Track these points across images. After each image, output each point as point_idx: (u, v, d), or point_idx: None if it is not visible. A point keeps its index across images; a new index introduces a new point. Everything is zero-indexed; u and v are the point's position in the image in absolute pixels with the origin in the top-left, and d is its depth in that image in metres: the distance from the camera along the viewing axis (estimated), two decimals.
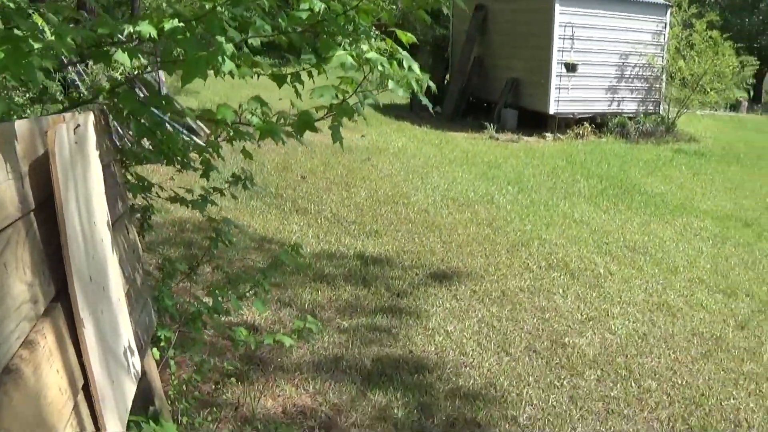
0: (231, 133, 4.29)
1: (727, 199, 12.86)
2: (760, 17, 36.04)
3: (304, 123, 4.06)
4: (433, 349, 6.20)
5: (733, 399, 5.75)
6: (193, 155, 4.85)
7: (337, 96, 3.94)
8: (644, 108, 19.98)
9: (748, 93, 36.38)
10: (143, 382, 3.60)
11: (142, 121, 4.05)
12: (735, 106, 28.38)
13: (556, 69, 18.33)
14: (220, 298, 4.79)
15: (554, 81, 18.33)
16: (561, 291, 7.69)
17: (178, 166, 4.71)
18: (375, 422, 5.06)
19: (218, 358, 5.71)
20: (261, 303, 4.96)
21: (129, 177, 4.82)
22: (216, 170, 4.81)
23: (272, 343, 4.57)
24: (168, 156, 4.50)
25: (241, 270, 7.56)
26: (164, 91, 14.01)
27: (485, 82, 21.10)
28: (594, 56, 18.70)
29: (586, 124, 18.64)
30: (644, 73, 19.80)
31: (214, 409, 4.96)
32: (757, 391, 5.89)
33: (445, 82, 22.26)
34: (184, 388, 4.75)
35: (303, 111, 4.03)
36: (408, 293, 7.37)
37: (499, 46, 20.94)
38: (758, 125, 24.97)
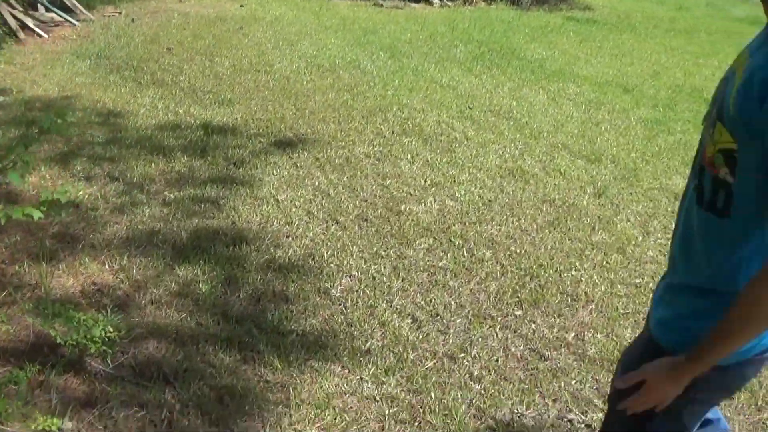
0: None
1: (611, 65, 12.52)
2: None
3: None
4: (258, 219, 5.86)
5: (575, 270, 5.49)
6: None
7: None
8: None
9: None
10: None
11: None
12: None
13: None
14: None
15: None
16: (409, 157, 7.35)
17: None
18: (175, 298, 4.73)
19: (31, 237, 5.36)
20: (17, 176, 4.52)
21: None
22: None
23: (21, 216, 4.15)
24: None
25: (77, 145, 7.23)
26: None
27: None
28: None
29: None
30: None
31: (12, 291, 4.61)
32: (604, 263, 5.64)
33: None
34: None
35: None
36: (246, 162, 6.99)
37: None
38: None
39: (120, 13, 14.37)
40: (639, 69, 12.48)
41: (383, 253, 5.46)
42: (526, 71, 11.48)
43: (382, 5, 17.08)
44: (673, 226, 2.46)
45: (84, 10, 13.68)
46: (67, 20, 12.98)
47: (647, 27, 17.34)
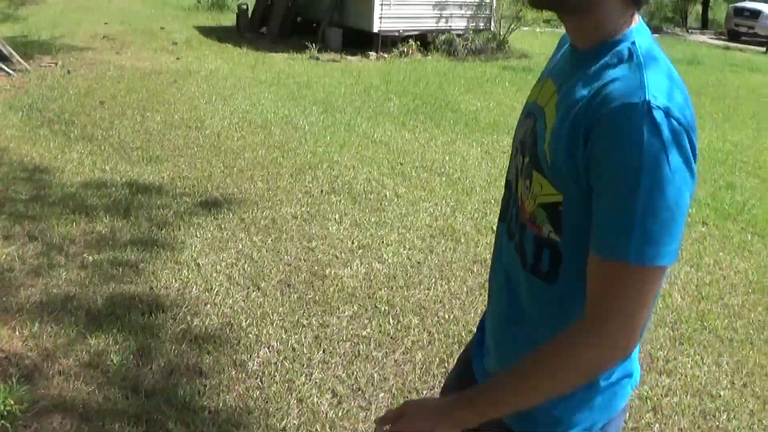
0: None
1: None
2: None
3: None
4: (176, 285, 5.70)
5: None
6: None
7: None
8: (474, 25, 19.57)
9: None
10: None
11: None
12: None
13: None
14: None
15: None
16: (337, 217, 7.23)
17: None
18: (85, 369, 4.55)
19: None
20: None
21: None
22: None
23: None
24: None
25: None
26: None
27: (311, 1, 20.15)
28: None
29: (412, 42, 18.18)
30: None
31: None
32: None
33: (270, 1, 21.45)
34: None
35: None
36: (169, 223, 6.83)
37: None
38: None
39: (57, 63, 14.24)
40: None
41: (305, 321, 5.32)
42: (460, 124, 11.46)
43: (318, 59, 17.05)
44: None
45: (21, 60, 13.52)
46: (2, 69, 12.81)
47: None
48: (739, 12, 31.57)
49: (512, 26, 19.95)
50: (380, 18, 17.70)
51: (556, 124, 1.76)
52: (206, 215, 7.07)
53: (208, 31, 20.01)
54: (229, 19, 22.40)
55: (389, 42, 18.20)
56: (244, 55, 16.91)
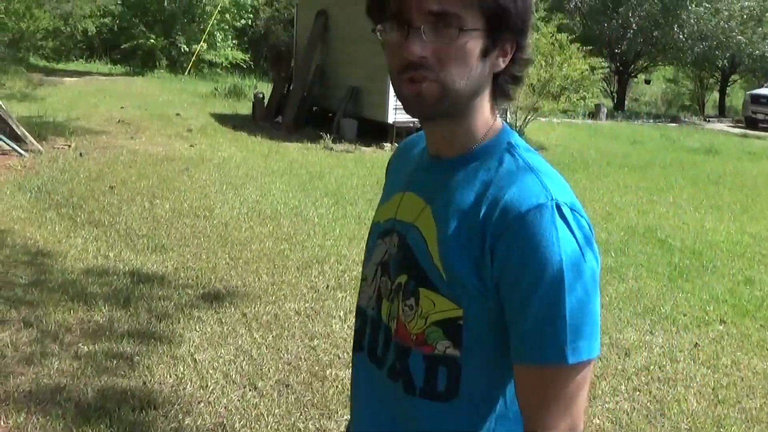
0: None
1: None
2: (620, 21, 36.21)
3: None
4: (171, 380, 5.52)
5: None
6: None
7: None
8: None
9: (612, 99, 36.82)
10: None
11: None
12: (594, 113, 28.44)
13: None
14: None
15: (391, 89, 17.56)
16: (342, 314, 7.03)
17: None
18: None
19: None
20: None
21: None
22: None
23: None
24: None
25: None
26: None
27: (327, 91, 20.31)
28: None
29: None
30: None
31: None
32: None
33: (287, 91, 21.53)
34: None
35: None
36: (169, 315, 6.67)
37: (341, 53, 20.17)
38: (615, 132, 25.07)
39: (70, 146, 14.31)
40: (591, 212, 12.19)
41: (301, 425, 5.10)
42: None
43: (332, 149, 17.02)
44: None
45: (34, 141, 13.59)
46: (14, 149, 12.84)
47: (601, 164, 17.38)
48: (756, 99, 31.73)
49: (529, 117, 19.87)
50: (395, 109, 17.65)
51: (446, 237, 1.70)
52: (207, 308, 6.92)
53: (223, 119, 20.08)
54: (245, 107, 22.48)
55: (404, 133, 18.09)
56: (258, 143, 16.92)
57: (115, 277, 7.52)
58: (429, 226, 1.74)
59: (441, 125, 1.79)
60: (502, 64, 1.73)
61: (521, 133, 19.39)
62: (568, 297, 1.54)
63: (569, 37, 19.80)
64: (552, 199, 1.59)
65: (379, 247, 1.91)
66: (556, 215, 1.57)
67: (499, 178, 1.68)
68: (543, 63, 19.29)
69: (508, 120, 19.62)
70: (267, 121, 20.24)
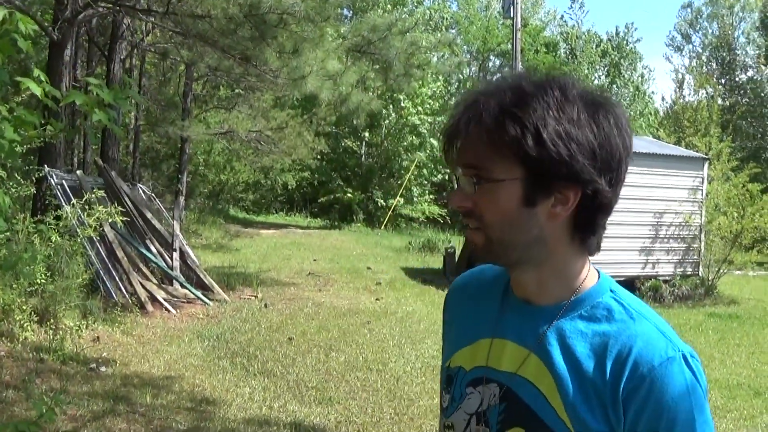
0: None
1: (746, 365, 11.53)
2: None
3: None
4: None
5: None
6: None
7: None
8: (682, 270, 18.81)
9: None
10: None
11: None
12: None
13: None
14: None
15: None
16: None
17: None
18: None
19: None
20: None
21: None
22: None
23: None
24: None
25: (155, 429, 7.05)
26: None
27: None
28: (623, 215, 17.74)
29: None
30: (681, 233, 18.71)
31: None
32: None
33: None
34: None
35: None
36: None
37: None
38: None
39: (256, 296, 14.56)
40: None
41: None
42: None
43: None
44: None
45: (221, 291, 13.90)
46: (199, 298, 13.12)
47: None
48: None
49: (721, 270, 19.06)
50: None
51: (570, 392, 1.68)
52: None
53: (414, 273, 20.07)
54: (437, 262, 22.43)
55: None
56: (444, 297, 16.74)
57: (275, 428, 7.40)
58: (544, 379, 1.72)
59: (524, 272, 1.78)
60: (562, 212, 1.68)
61: (713, 287, 18.65)
62: None
63: (761, 188, 19.09)
64: (679, 350, 1.65)
65: (471, 396, 1.85)
66: (684, 366, 1.63)
67: (617, 332, 1.68)
68: (735, 214, 18.65)
69: (700, 273, 18.93)
70: (457, 275, 20.06)
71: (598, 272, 1.80)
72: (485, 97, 1.66)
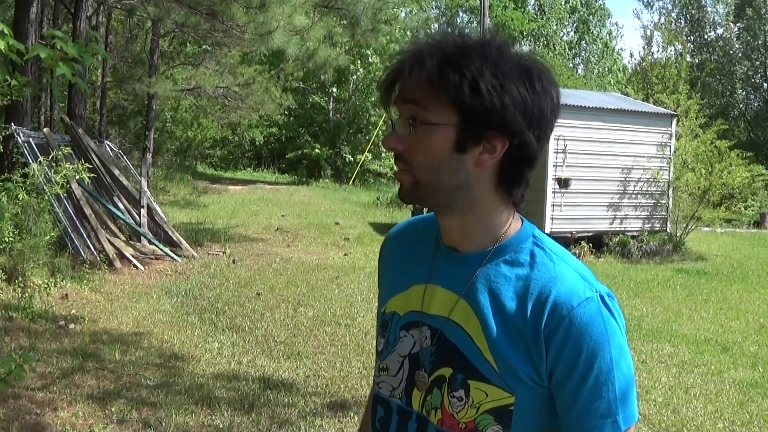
0: None
1: (713, 321, 11.61)
2: None
3: None
4: None
5: None
6: None
7: None
8: (650, 225, 18.97)
9: None
10: None
11: None
12: (759, 222, 27.34)
13: (550, 185, 17.37)
14: None
15: (549, 198, 17.35)
16: None
17: None
18: None
19: None
20: None
21: None
22: None
23: None
24: None
25: (124, 385, 7.08)
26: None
27: None
28: (591, 171, 17.85)
29: (584, 244, 17.74)
30: (649, 189, 18.81)
31: None
32: None
33: None
34: None
35: None
36: (291, 423, 6.49)
37: None
38: None
39: (224, 252, 14.58)
40: (743, 324, 11.55)
41: None
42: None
43: None
44: None
45: (189, 247, 13.89)
46: (168, 255, 13.12)
47: (760, 276, 16.39)
48: None
49: (690, 227, 19.25)
50: (551, 219, 17.37)
51: (494, 333, 1.77)
52: (331, 417, 6.72)
53: (382, 228, 20.13)
54: (405, 216, 22.47)
55: (561, 243, 17.75)
56: None
57: (244, 382, 7.44)
58: (470, 321, 1.80)
59: (450, 218, 1.86)
60: (489, 160, 1.76)
61: (681, 243, 18.79)
62: (617, 374, 1.71)
63: (729, 144, 19.21)
64: (596, 291, 1.74)
65: (404, 339, 1.94)
66: (601, 305, 1.72)
67: (538, 275, 1.78)
68: (703, 171, 18.75)
69: (668, 229, 19.08)
70: None
71: (522, 221, 1.88)
72: (429, 47, 1.73)
